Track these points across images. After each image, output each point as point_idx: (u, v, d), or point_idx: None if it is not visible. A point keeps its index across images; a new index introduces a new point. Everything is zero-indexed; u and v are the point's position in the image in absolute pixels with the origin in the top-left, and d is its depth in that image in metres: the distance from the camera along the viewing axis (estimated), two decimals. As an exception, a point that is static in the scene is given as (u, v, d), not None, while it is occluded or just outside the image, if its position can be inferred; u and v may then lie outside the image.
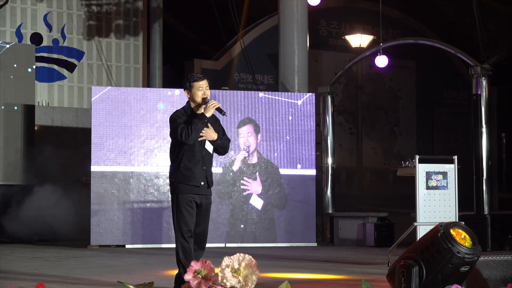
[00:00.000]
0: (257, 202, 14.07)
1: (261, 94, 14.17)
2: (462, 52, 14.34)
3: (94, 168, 13.06)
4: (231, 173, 13.83)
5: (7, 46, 14.67)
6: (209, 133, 6.72)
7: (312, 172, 14.02)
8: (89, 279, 7.96)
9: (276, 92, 14.47)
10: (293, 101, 14.12)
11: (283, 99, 14.09)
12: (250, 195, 13.99)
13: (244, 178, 13.97)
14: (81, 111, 17.13)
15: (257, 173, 14.06)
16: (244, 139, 14.16)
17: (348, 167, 20.62)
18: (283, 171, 13.94)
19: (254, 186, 14.11)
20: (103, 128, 13.13)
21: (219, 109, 6.75)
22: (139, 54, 18.33)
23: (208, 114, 6.67)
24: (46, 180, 14.07)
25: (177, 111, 6.83)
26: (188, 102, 6.81)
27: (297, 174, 13.98)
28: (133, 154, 13.21)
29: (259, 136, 14.14)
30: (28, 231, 14.16)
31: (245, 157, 14.06)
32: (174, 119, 6.71)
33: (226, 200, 13.63)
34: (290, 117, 14.14)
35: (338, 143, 18.60)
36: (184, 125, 6.63)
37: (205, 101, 6.71)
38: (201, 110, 6.75)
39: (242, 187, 13.98)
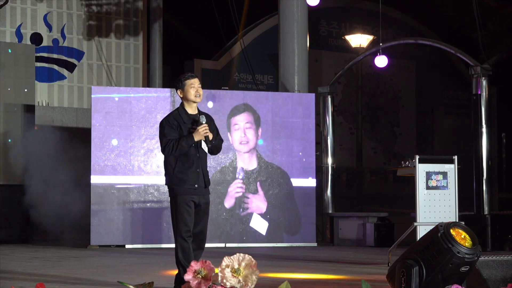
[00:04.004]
0: (259, 225, 13.55)
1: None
2: (462, 52, 14.34)
3: (94, 168, 13.06)
4: (231, 175, 13.58)
5: (10, 50, 14.68)
6: (208, 133, 6.69)
7: (312, 172, 13.99)
8: (89, 279, 7.96)
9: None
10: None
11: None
12: (250, 215, 13.59)
13: (247, 194, 13.52)
14: (81, 111, 17.12)
15: (258, 183, 13.72)
16: (241, 132, 13.87)
17: (348, 167, 20.61)
18: (282, 171, 13.88)
19: (255, 203, 13.64)
20: (103, 128, 13.13)
21: (207, 139, 6.68)
22: (139, 54, 18.33)
23: (196, 139, 6.60)
24: (46, 180, 14.06)
25: (169, 115, 6.79)
26: (181, 104, 6.80)
27: (297, 173, 13.95)
28: (133, 154, 13.20)
29: (260, 131, 13.88)
30: (28, 231, 14.16)
31: (241, 190, 13.07)
32: (163, 126, 6.68)
33: (226, 200, 13.59)
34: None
35: (338, 143, 18.60)
36: (171, 138, 6.57)
37: (200, 120, 6.65)
38: (194, 110, 6.73)
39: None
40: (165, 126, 6.68)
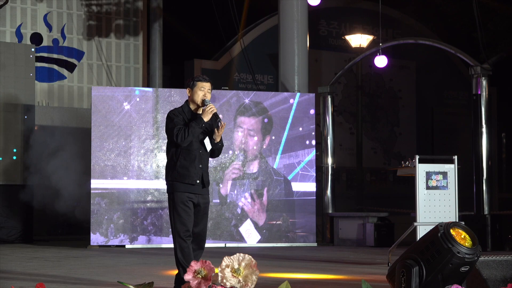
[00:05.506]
0: (249, 234, 13.46)
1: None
2: (462, 52, 14.34)
3: (94, 168, 13.05)
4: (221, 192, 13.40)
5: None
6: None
7: (312, 173, 14.00)
8: (89, 279, 7.96)
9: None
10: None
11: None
12: (242, 218, 13.48)
13: (245, 194, 13.41)
14: (81, 111, 17.12)
15: (252, 191, 13.57)
16: (242, 136, 13.75)
17: (348, 167, 20.61)
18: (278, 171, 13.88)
19: (253, 210, 13.56)
20: (103, 128, 13.13)
21: (215, 115, 6.71)
22: (139, 54, 18.33)
23: (205, 119, 6.62)
24: (46, 180, 14.07)
25: (174, 109, 6.81)
26: (186, 101, 6.79)
27: (297, 174, 13.95)
28: (133, 154, 13.20)
29: (268, 139, 13.82)
30: (28, 231, 14.16)
31: (239, 171, 13.09)
32: (171, 118, 6.68)
33: (225, 200, 13.59)
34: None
35: (338, 143, 18.60)
36: (181, 126, 6.59)
37: (204, 103, 6.67)
38: (199, 111, 6.74)
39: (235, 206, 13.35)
40: (172, 117, 6.68)
